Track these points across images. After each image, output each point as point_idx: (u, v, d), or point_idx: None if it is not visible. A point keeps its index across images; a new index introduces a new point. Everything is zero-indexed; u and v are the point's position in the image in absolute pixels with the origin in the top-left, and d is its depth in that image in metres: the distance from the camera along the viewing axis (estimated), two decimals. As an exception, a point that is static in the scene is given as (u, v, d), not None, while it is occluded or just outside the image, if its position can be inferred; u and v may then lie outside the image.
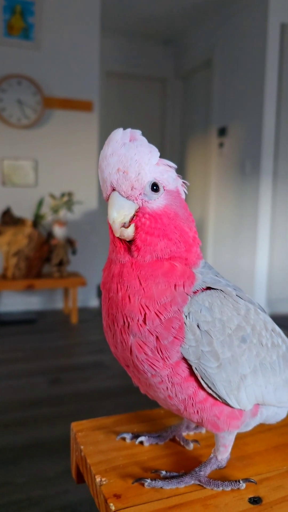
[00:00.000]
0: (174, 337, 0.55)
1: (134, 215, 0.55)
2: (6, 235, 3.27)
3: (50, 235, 3.44)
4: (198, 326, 0.56)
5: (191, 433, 0.76)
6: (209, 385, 0.57)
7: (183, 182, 0.61)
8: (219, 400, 0.59)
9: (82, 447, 0.70)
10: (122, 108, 5.08)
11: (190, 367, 0.57)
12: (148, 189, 0.55)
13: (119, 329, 0.58)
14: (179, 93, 5.30)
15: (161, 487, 0.60)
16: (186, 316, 0.56)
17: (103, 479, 0.62)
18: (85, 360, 2.69)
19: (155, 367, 0.57)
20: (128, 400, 2.09)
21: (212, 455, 0.65)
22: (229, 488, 0.60)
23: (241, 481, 0.61)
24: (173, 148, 5.39)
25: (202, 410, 0.60)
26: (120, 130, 0.55)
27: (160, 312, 0.55)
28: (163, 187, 0.57)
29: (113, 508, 0.56)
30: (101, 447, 0.70)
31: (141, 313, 0.55)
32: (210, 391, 0.58)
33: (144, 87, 5.26)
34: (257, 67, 3.66)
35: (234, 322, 0.59)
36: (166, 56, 5.23)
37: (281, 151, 3.66)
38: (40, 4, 3.53)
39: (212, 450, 0.66)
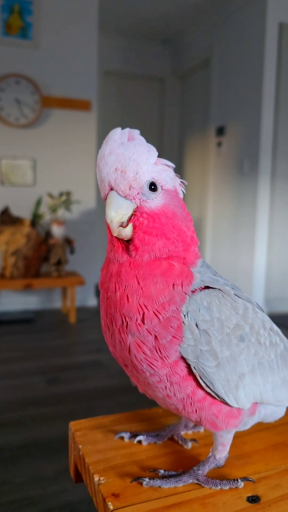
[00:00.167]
0: (173, 336, 0.55)
1: (132, 214, 0.55)
2: (4, 234, 3.26)
3: (48, 234, 3.43)
4: (196, 325, 0.56)
5: (190, 432, 0.76)
6: (208, 384, 0.58)
7: (181, 182, 0.61)
8: (217, 399, 0.59)
9: (80, 446, 0.70)
10: (121, 108, 5.08)
11: (188, 366, 0.57)
12: (146, 188, 0.55)
13: (117, 329, 0.58)
14: (177, 93, 5.30)
15: (159, 486, 0.60)
16: (184, 315, 0.56)
17: (101, 478, 0.62)
18: (83, 359, 2.69)
19: (153, 367, 0.57)
20: (127, 399, 2.09)
21: (210, 454, 0.65)
22: (227, 487, 0.61)
23: (239, 480, 0.61)
24: (171, 148, 5.39)
25: (201, 409, 0.60)
26: (119, 129, 0.55)
27: (158, 312, 0.55)
28: (161, 186, 0.57)
29: (111, 507, 0.56)
30: (99, 446, 0.70)
31: (139, 313, 0.55)
32: (208, 390, 0.58)
33: (142, 87, 5.25)
34: (255, 67, 3.66)
35: (233, 321, 0.59)
36: (164, 56, 5.22)
37: (279, 150, 3.66)
38: (38, 3, 3.53)
39: (210, 449, 0.66)
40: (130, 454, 0.69)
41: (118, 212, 0.54)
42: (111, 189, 0.55)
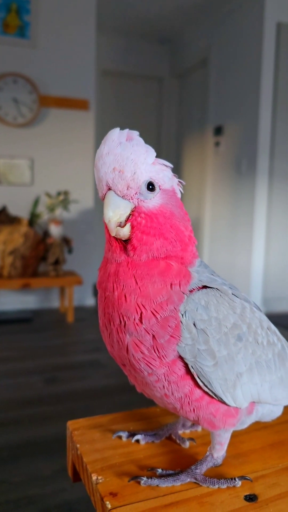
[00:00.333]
0: (171, 336, 0.56)
1: (130, 214, 0.55)
2: (2, 233, 3.26)
3: (46, 234, 3.43)
4: (194, 324, 0.56)
5: (187, 431, 0.76)
6: (205, 383, 0.58)
7: (179, 181, 0.61)
8: (215, 398, 0.60)
9: (78, 445, 0.70)
10: (118, 107, 5.07)
11: (186, 365, 0.57)
12: (144, 188, 0.56)
13: (115, 328, 0.58)
14: (175, 92, 5.30)
15: (157, 485, 0.60)
16: (182, 315, 0.56)
17: (99, 478, 0.62)
18: (81, 358, 2.69)
19: (151, 366, 0.57)
20: (124, 398, 2.09)
21: (208, 453, 0.65)
22: (225, 486, 0.61)
23: (236, 479, 0.61)
24: (169, 147, 5.39)
25: (198, 408, 0.60)
26: (117, 129, 0.55)
27: (156, 311, 0.55)
28: (159, 186, 0.57)
29: (109, 506, 0.56)
30: (97, 445, 0.70)
31: (137, 312, 0.55)
32: (206, 389, 0.58)
33: (140, 86, 5.25)
34: (253, 66, 3.67)
35: (230, 321, 0.59)
36: (162, 55, 5.22)
37: (277, 150, 3.67)
38: (36, 2, 3.52)
39: (208, 448, 0.66)
40: (128, 453, 0.69)
41: (116, 212, 0.54)
42: (109, 189, 0.55)
